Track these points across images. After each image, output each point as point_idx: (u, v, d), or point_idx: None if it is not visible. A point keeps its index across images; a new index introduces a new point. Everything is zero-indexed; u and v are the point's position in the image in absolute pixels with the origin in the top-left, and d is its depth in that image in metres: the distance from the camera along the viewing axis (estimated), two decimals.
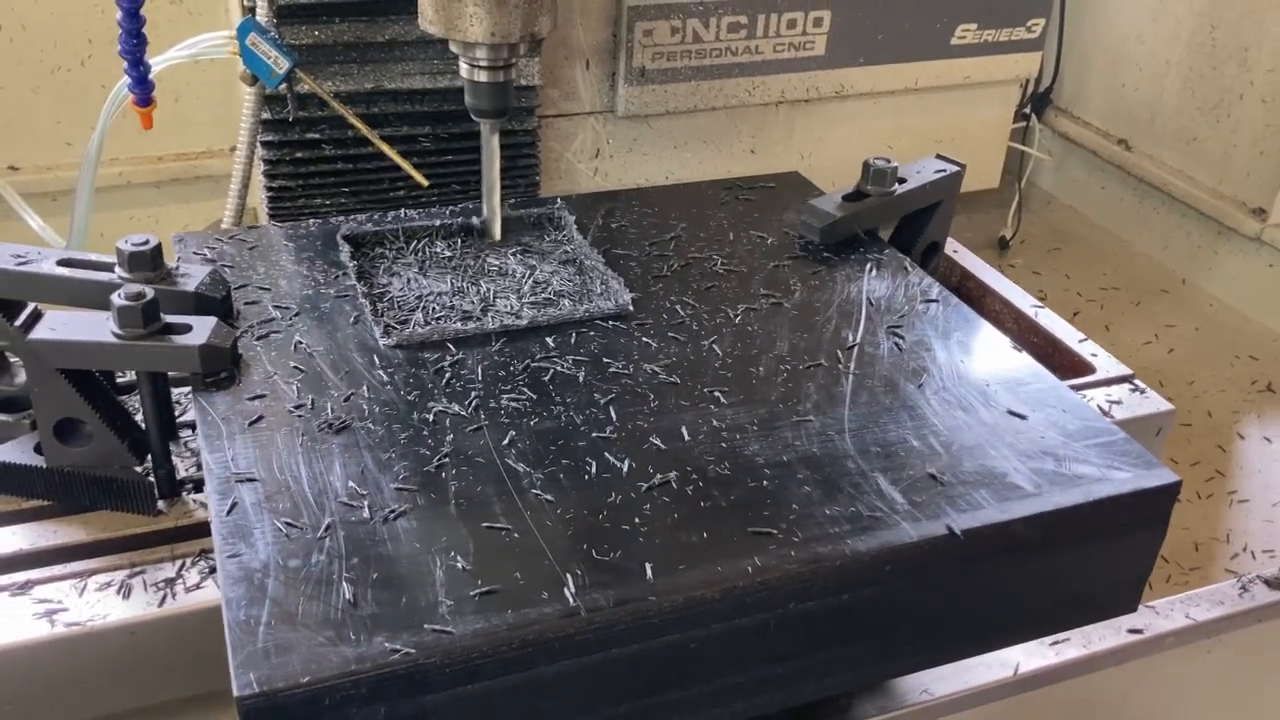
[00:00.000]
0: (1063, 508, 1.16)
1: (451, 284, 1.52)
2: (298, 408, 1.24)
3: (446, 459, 1.18)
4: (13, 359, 1.48)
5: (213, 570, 1.30)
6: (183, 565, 1.30)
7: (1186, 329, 2.73)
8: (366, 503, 1.11)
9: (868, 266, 1.59)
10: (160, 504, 1.37)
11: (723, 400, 1.29)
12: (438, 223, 1.64)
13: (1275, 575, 1.62)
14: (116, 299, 1.25)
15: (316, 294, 1.46)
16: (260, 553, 1.04)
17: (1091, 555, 1.22)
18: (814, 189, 1.84)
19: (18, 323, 1.29)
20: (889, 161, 1.69)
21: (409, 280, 1.52)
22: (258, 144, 1.94)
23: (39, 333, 1.26)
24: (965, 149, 2.74)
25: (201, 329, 1.28)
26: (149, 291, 1.26)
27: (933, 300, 1.52)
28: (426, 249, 1.60)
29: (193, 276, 1.38)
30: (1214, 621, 1.54)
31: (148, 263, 1.36)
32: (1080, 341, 1.82)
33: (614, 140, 2.33)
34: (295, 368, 1.30)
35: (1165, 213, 3.00)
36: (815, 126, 2.53)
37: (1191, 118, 2.91)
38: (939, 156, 1.81)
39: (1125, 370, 1.75)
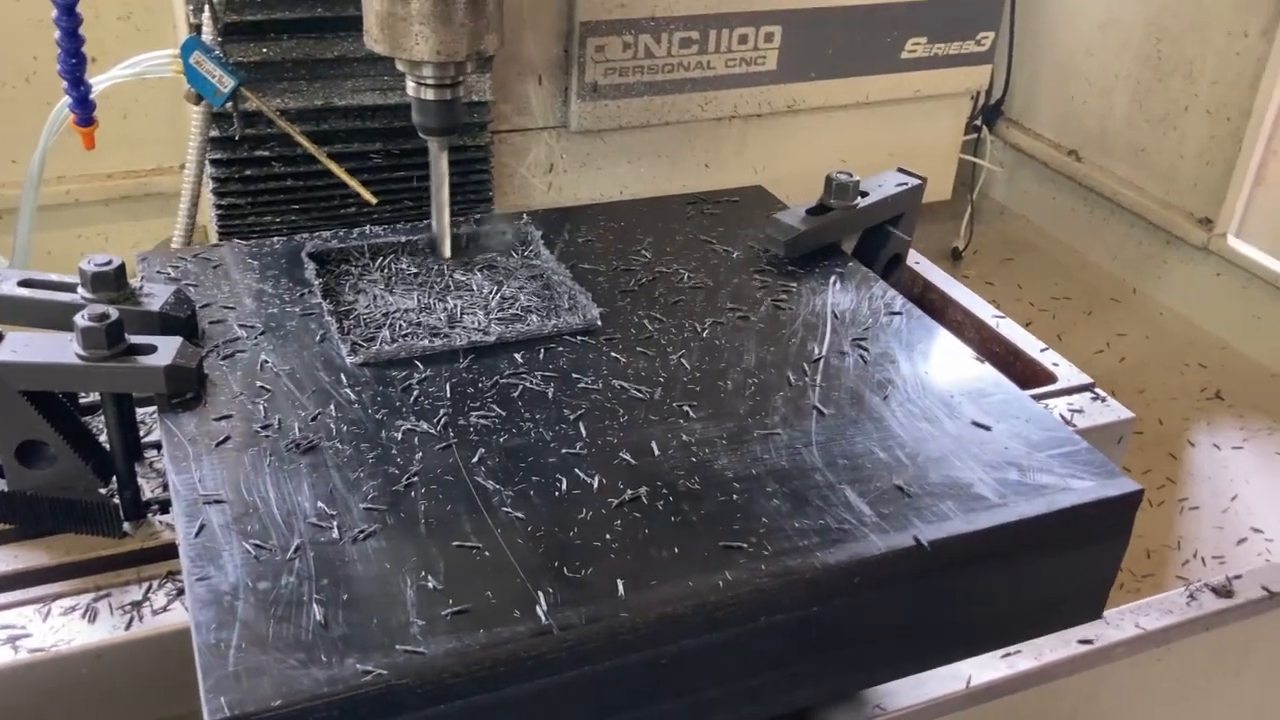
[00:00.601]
0: (1027, 518, 1.18)
1: (418, 300, 1.52)
2: (265, 428, 1.23)
3: (415, 478, 1.17)
4: None
5: (180, 592, 1.29)
6: (149, 588, 1.29)
7: (1137, 337, 2.78)
8: (336, 523, 1.11)
9: (832, 280, 1.61)
10: (126, 526, 1.36)
11: (691, 415, 1.30)
12: (403, 239, 1.64)
13: (1222, 583, 1.65)
14: (80, 320, 1.24)
15: (282, 312, 1.45)
16: (229, 575, 1.04)
17: (1056, 564, 1.23)
18: (777, 203, 1.85)
19: None
20: (851, 175, 1.71)
21: (375, 297, 1.52)
22: (206, 162, 1.92)
23: (0, 354, 1.25)
24: (917, 161, 2.76)
25: (166, 349, 1.27)
26: (113, 312, 1.25)
27: (896, 313, 1.53)
28: (392, 265, 1.60)
29: (157, 296, 1.37)
30: (1163, 630, 1.56)
31: (111, 283, 1.35)
32: (1041, 351, 1.85)
33: (568, 155, 2.34)
34: (261, 387, 1.30)
35: (1115, 223, 3.05)
36: (768, 141, 2.55)
37: (1140, 129, 2.96)
38: (900, 170, 1.83)
39: (1086, 379, 1.78)
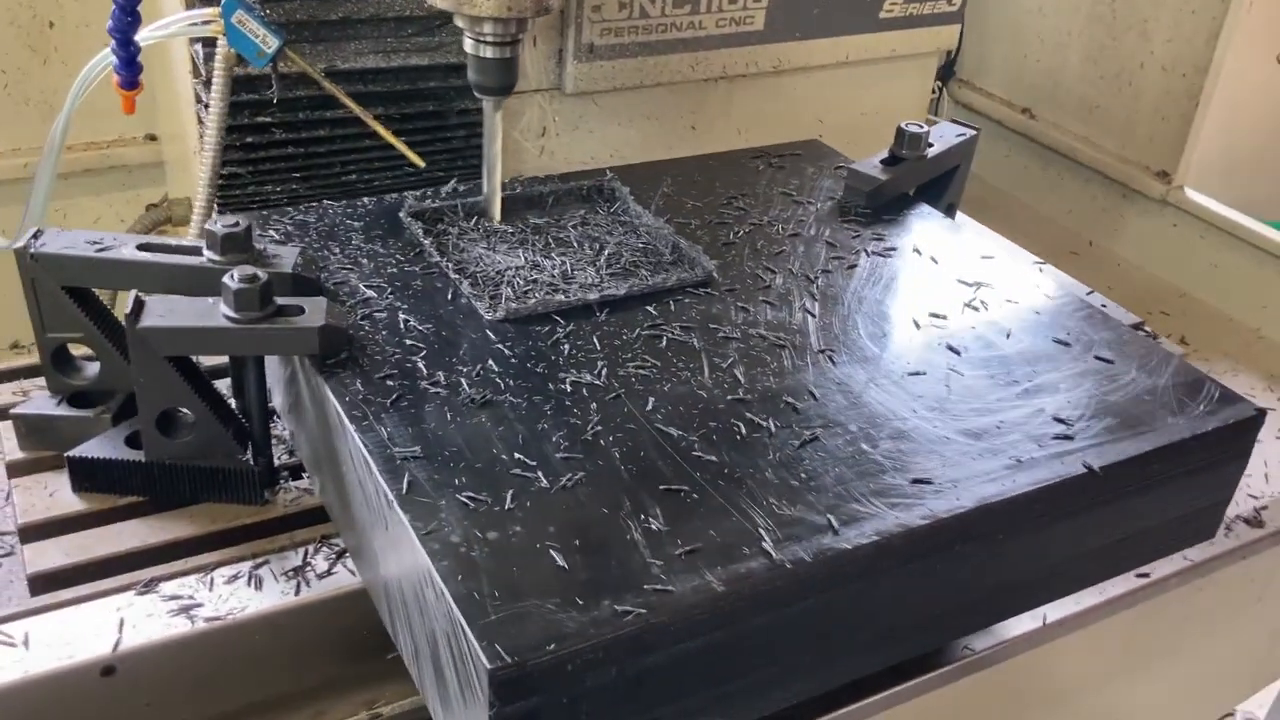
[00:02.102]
0: (1175, 442, 1.24)
1: (525, 258, 1.51)
2: (433, 384, 1.22)
3: (599, 427, 1.18)
4: (75, 353, 1.41)
5: (341, 555, 1.28)
6: (307, 553, 1.27)
7: (1099, 288, 2.88)
8: (540, 472, 1.11)
9: (918, 226, 1.65)
10: (265, 493, 1.34)
11: (834, 361, 1.33)
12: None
13: (1252, 514, 1.76)
14: (230, 281, 1.21)
15: (402, 271, 1.44)
16: (454, 528, 1.03)
17: (1189, 486, 1.31)
18: (836, 154, 1.89)
19: (126, 311, 1.23)
20: (922, 126, 1.76)
21: (481, 256, 1.51)
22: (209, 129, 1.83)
23: (148, 320, 1.22)
24: (889, 121, 2.79)
25: (315, 310, 1.25)
26: (262, 274, 1.23)
27: (989, 256, 1.59)
28: (487, 225, 1.59)
29: (284, 257, 1.35)
30: (1206, 562, 1.67)
31: (243, 243, 1.32)
32: (1088, 294, 1.93)
33: (560, 118, 2.32)
34: (413, 345, 1.29)
35: (1071, 178, 3.16)
36: (752, 102, 2.58)
37: (1094, 85, 3.06)
38: (954, 121, 1.89)
39: (1136, 319, 1.86)
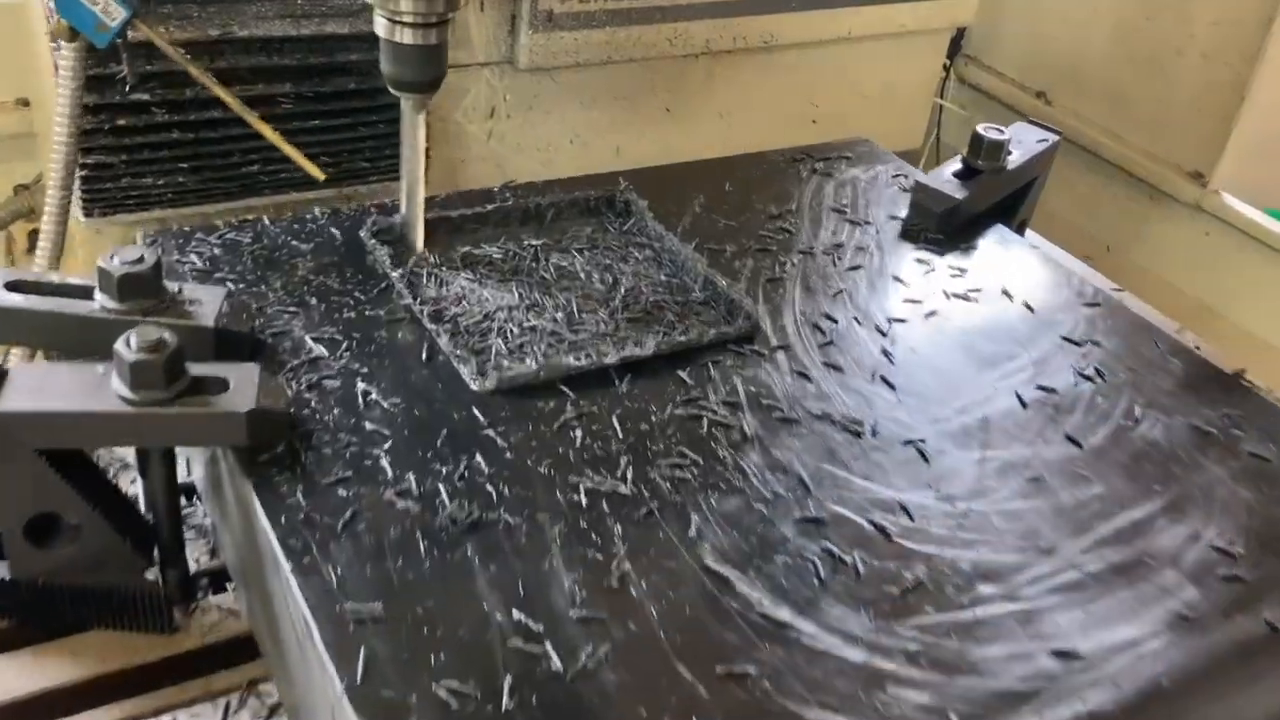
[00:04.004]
0: None
1: (519, 294, 1.19)
2: (401, 494, 0.90)
3: (627, 564, 0.87)
4: None
5: (275, 712, 0.96)
6: (228, 709, 0.96)
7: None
8: (548, 644, 0.80)
9: (998, 257, 1.35)
10: (174, 619, 1.02)
11: (926, 457, 1.02)
12: (477, 209, 1.30)
13: None
14: (125, 349, 0.88)
15: (363, 317, 1.11)
16: None
17: None
18: (889, 156, 1.58)
19: None
20: (1001, 131, 1.44)
21: (465, 292, 1.19)
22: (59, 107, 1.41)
23: (11, 402, 0.88)
24: (893, 104, 2.47)
25: (243, 384, 0.92)
26: (170, 338, 0.89)
27: (1094, 304, 1.29)
28: (471, 246, 1.27)
29: (205, 303, 1.01)
30: None
31: (147, 286, 0.98)
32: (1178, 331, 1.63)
33: (512, 96, 1.97)
34: (375, 430, 0.96)
35: (1090, 175, 2.84)
36: (737, 81, 2.23)
37: (1121, 71, 2.72)
38: (1031, 122, 1.58)
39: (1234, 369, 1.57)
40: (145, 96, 1.46)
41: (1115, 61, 2.78)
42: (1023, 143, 1.51)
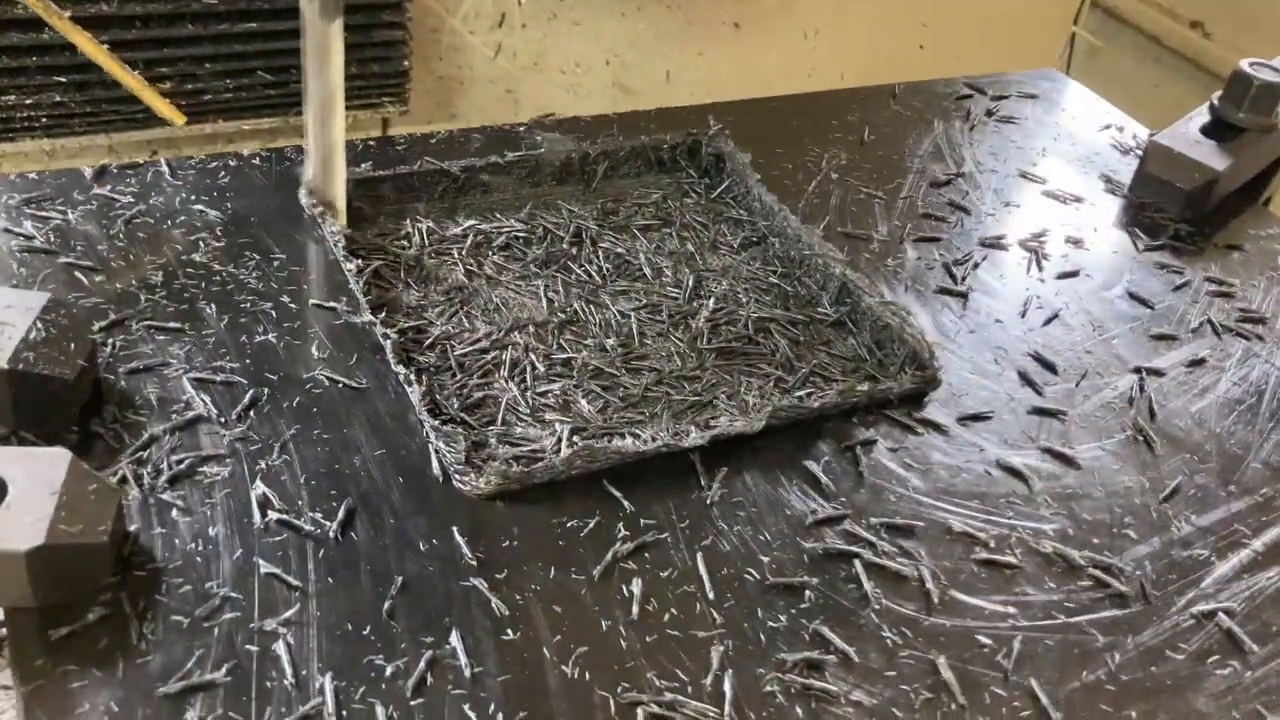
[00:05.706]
0: None
1: (547, 297, 0.75)
2: None
3: None
4: None
5: None
6: None
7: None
8: None
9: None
10: None
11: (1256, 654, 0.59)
12: (474, 163, 0.85)
13: None
14: None
15: (285, 343, 0.67)
16: None
17: None
18: (1088, 98, 1.10)
19: None
20: (1278, 69, 0.97)
21: (463, 293, 0.75)
22: None
23: None
24: (1021, 32, 2.13)
25: (33, 492, 0.49)
26: None
27: None
28: (464, 216, 0.83)
29: (8, 321, 0.58)
30: None
31: None
32: None
33: (528, 2, 1.56)
34: (278, 585, 0.53)
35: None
36: None
37: None
38: None
39: None
40: None
41: None
42: None
